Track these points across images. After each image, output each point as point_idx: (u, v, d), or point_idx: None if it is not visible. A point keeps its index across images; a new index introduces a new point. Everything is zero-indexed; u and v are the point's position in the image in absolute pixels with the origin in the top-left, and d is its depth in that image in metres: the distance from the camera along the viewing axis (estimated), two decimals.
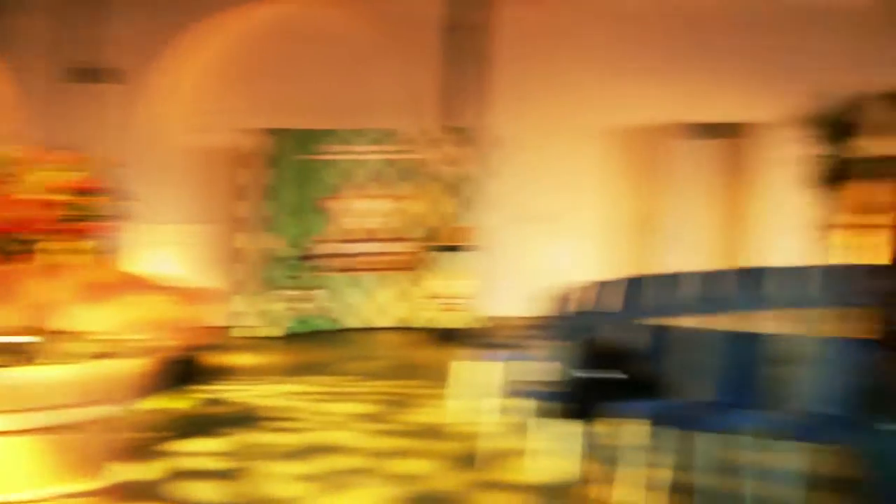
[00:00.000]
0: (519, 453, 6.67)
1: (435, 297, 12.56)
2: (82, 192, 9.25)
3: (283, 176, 12.77)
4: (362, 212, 13.10)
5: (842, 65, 13.05)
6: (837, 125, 10.66)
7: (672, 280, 10.74)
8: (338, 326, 12.80)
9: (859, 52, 14.37)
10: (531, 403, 6.52)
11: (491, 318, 12.08)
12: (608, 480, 5.99)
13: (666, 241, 13.82)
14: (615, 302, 9.69)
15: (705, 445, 5.76)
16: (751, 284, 11.14)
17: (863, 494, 2.97)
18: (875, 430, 2.87)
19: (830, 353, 5.10)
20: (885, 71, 12.85)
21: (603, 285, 9.82)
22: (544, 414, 6.27)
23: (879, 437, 2.88)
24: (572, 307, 8.92)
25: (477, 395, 7.60)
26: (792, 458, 5.24)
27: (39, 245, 8.65)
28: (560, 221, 13.87)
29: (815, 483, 5.17)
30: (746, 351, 5.83)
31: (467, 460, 6.69)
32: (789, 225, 13.43)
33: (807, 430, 5.10)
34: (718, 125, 15.07)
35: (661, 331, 6.57)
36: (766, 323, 10.86)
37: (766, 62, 14.31)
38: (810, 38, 14.44)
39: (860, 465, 2.95)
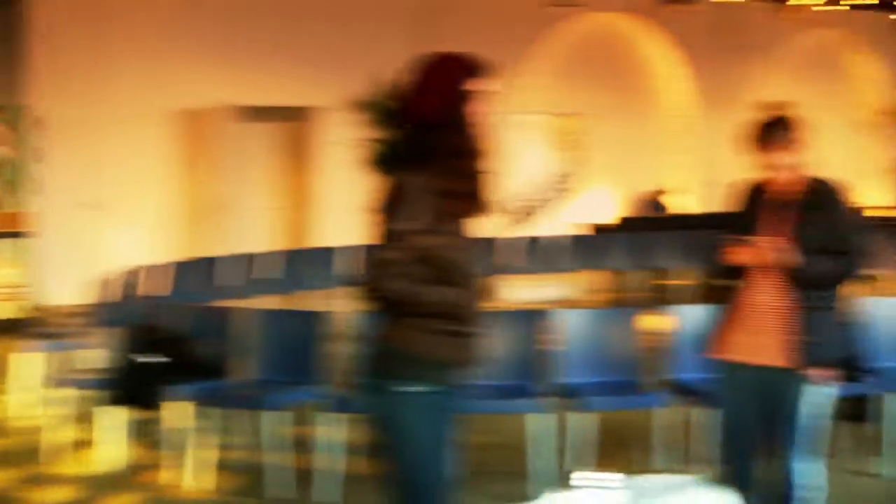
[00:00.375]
0: (75, 444, 6.54)
1: None
2: None
3: None
4: None
5: (396, 54, 13.81)
6: (385, 111, 11.28)
7: (229, 262, 10.91)
8: None
9: (412, 42, 15.24)
10: (85, 392, 6.41)
11: (45, 307, 11.61)
12: (165, 464, 6.04)
13: (229, 224, 13.92)
14: (169, 286, 9.70)
15: (258, 423, 5.98)
16: (307, 264, 11.57)
17: (385, 457, 3.26)
18: (386, 393, 3.16)
19: (363, 326, 5.46)
20: None
21: (158, 269, 9.79)
22: (99, 402, 6.19)
23: (389, 399, 3.17)
24: (126, 293, 8.83)
25: (30, 387, 7.34)
26: (337, 430, 5.56)
27: None
28: (118, 206, 13.57)
29: (357, 451, 5.53)
30: (294, 328, 6.09)
31: (20, 456, 6.46)
32: (349, 206, 14.01)
33: (344, 401, 5.44)
34: (280, 108, 15.39)
35: (214, 312, 6.70)
36: (319, 301, 11.34)
37: (325, 48, 14.83)
38: (367, 26, 15.15)
39: (380, 428, 3.23)
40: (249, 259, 11.14)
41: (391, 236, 3.03)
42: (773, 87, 19.34)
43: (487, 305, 3.35)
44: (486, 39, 16.26)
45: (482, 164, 3.14)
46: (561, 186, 13.03)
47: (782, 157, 3.95)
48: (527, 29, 17.00)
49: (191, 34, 14.13)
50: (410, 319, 3.11)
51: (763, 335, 3.94)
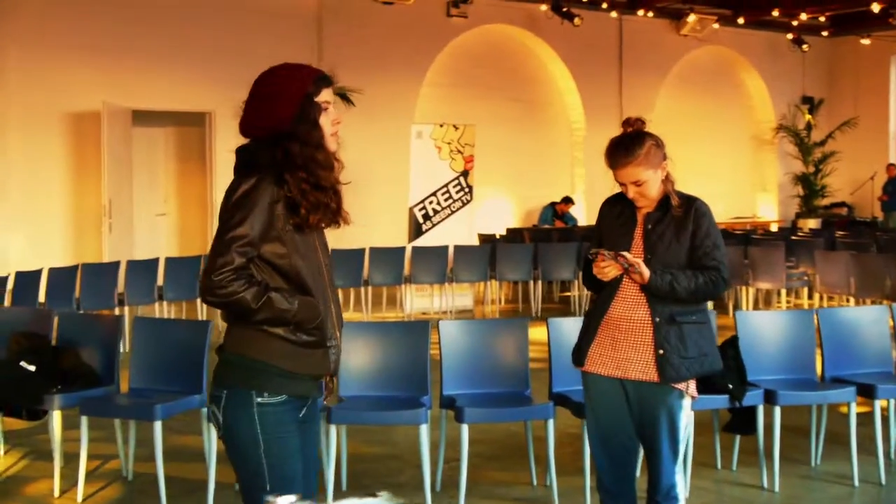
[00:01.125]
0: None
1: None
2: None
3: None
4: None
5: (298, 60, 13.69)
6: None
7: (123, 269, 10.67)
8: None
9: (314, 48, 15.21)
10: None
11: None
12: (42, 475, 5.89)
13: (121, 230, 13.65)
14: (57, 292, 9.47)
15: (146, 432, 5.86)
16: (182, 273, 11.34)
17: (234, 467, 3.21)
18: (226, 402, 3.11)
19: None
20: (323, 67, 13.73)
21: (46, 275, 9.56)
22: None
23: (231, 409, 3.11)
24: (11, 298, 8.61)
25: None
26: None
27: None
28: (5, 210, 13.26)
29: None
30: (184, 337, 5.94)
31: None
32: None
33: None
34: (177, 113, 15.20)
35: (101, 320, 6.55)
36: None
37: (225, 53, 14.69)
38: (269, 31, 15.05)
39: (225, 439, 3.15)
40: (144, 266, 10.89)
41: (229, 242, 2.96)
42: (668, 101, 19.71)
43: (344, 316, 3.28)
44: (390, 48, 16.37)
45: (333, 175, 3.11)
46: (460, 196, 13.03)
47: (630, 174, 3.92)
48: (430, 39, 17.07)
49: (85, 36, 13.85)
50: (251, 326, 3.05)
51: (627, 349, 3.95)
